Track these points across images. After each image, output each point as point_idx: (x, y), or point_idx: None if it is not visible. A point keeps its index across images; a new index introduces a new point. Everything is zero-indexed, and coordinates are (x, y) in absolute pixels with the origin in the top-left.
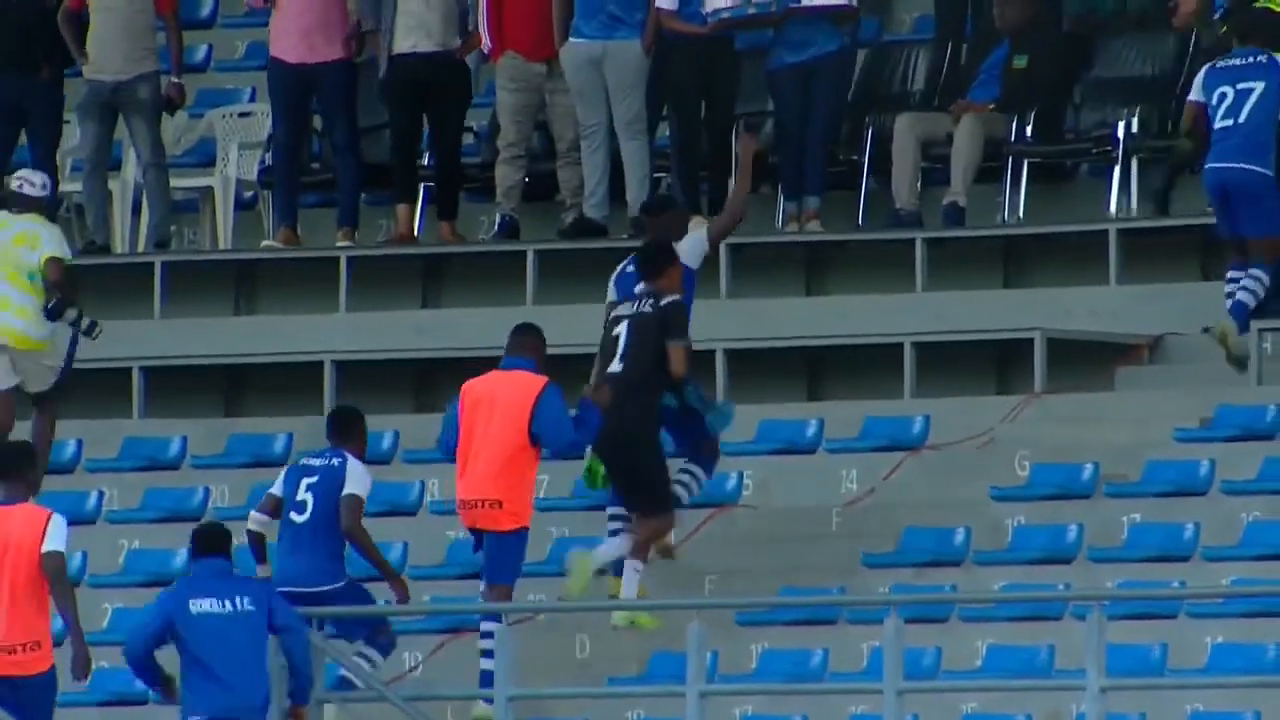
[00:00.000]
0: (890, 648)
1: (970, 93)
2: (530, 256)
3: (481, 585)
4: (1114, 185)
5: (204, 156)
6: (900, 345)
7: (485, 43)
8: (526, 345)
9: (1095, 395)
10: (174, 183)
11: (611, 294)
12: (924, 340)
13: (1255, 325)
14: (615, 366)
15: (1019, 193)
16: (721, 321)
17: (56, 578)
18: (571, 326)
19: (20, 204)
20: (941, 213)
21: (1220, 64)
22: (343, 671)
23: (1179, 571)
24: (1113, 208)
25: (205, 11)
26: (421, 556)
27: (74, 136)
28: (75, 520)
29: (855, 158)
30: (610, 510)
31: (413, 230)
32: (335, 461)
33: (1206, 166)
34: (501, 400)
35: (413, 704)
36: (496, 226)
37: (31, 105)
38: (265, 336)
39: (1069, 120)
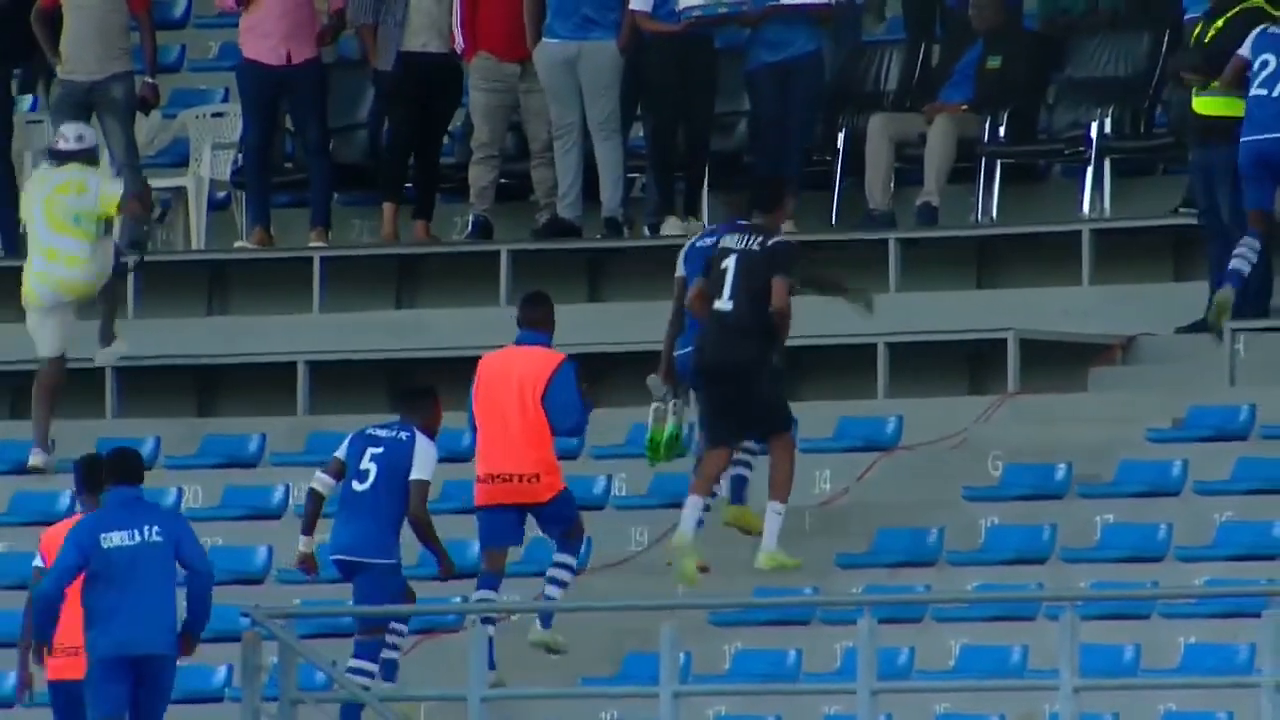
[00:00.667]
0: (864, 648)
1: (943, 93)
2: (504, 256)
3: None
4: (1087, 186)
5: (177, 157)
6: (874, 345)
7: (459, 43)
8: (538, 317)
9: (1068, 396)
10: (150, 183)
11: (680, 270)
12: (897, 340)
13: (1229, 326)
14: (724, 304)
15: (992, 193)
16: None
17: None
18: None
19: (58, 159)
20: (915, 213)
21: (1272, 30)
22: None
23: (1152, 572)
24: (1086, 208)
25: (178, 12)
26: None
27: (45, 138)
28: (48, 520)
29: (829, 158)
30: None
31: (396, 230)
32: (403, 435)
33: (1243, 139)
34: (518, 374)
35: (387, 705)
36: (470, 227)
37: None
38: (239, 337)
39: (1042, 121)
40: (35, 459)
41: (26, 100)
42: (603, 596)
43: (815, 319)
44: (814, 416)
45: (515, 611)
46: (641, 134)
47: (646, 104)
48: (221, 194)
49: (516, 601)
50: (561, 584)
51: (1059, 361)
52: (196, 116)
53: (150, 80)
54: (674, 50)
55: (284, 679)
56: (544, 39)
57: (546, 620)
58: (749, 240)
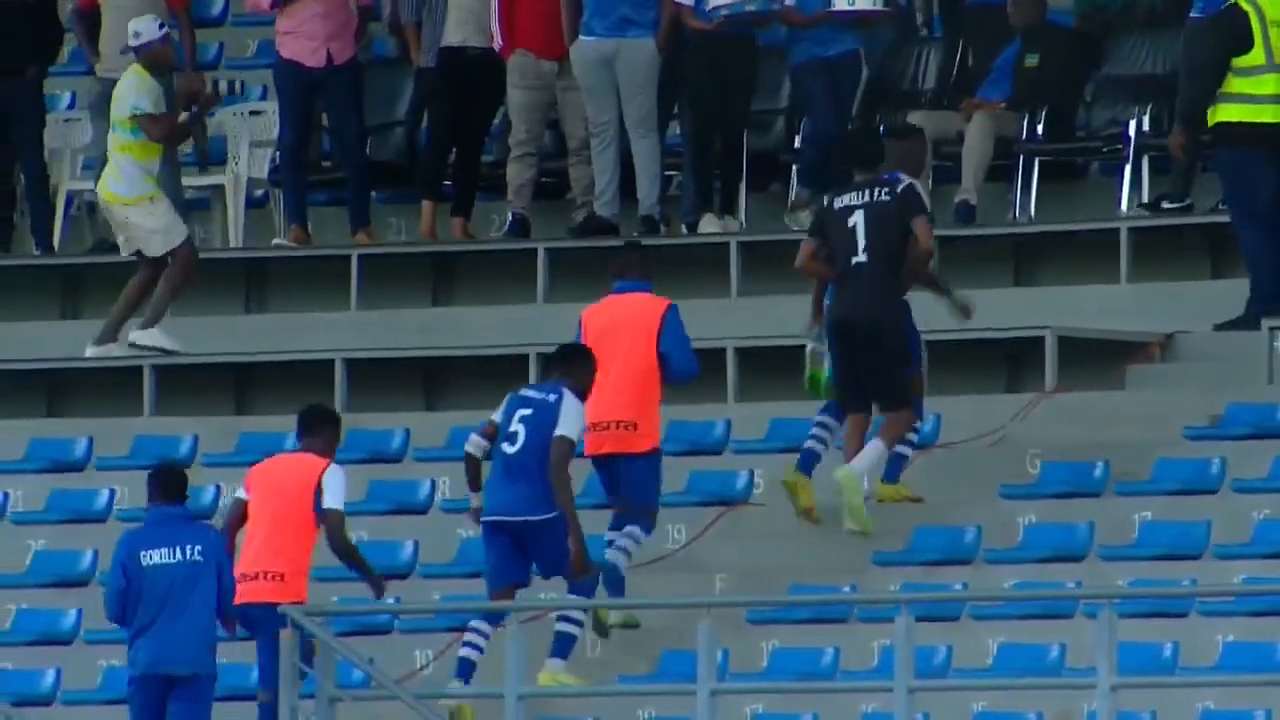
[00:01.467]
0: (901, 646)
1: (981, 91)
2: (541, 254)
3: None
4: (1125, 183)
5: (215, 155)
6: None
7: (497, 40)
8: (634, 264)
9: (1106, 394)
10: (185, 181)
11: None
12: (935, 338)
13: (1266, 324)
14: (860, 257)
15: (1030, 191)
16: (733, 320)
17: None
18: None
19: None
20: (952, 211)
21: None
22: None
23: (1190, 570)
24: (1124, 206)
25: (216, 10)
26: (432, 555)
27: (85, 134)
28: (86, 519)
29: None
30: (819, 418)
31: (435, 227)
32: (551, 397)
33: None
34: (626, 323)
35: (423, 702)
36: (507, 225)
37: (13, 106)
38: (276, 334)
39: (1080, 118)
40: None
41: (65, 99)
42: (640, 594)
43: None
44: None
45: (551, 609)
46: (678, 132)
47: (685, 102)
48: (259, 192)
49: (552, 599)
50: (627, 553)
51: (1096, 359)
52: (234, 114)
53: (198, 78)
54: (714, 48)
55: (322, 677)
56: (581, 37)
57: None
58: (874, 193)
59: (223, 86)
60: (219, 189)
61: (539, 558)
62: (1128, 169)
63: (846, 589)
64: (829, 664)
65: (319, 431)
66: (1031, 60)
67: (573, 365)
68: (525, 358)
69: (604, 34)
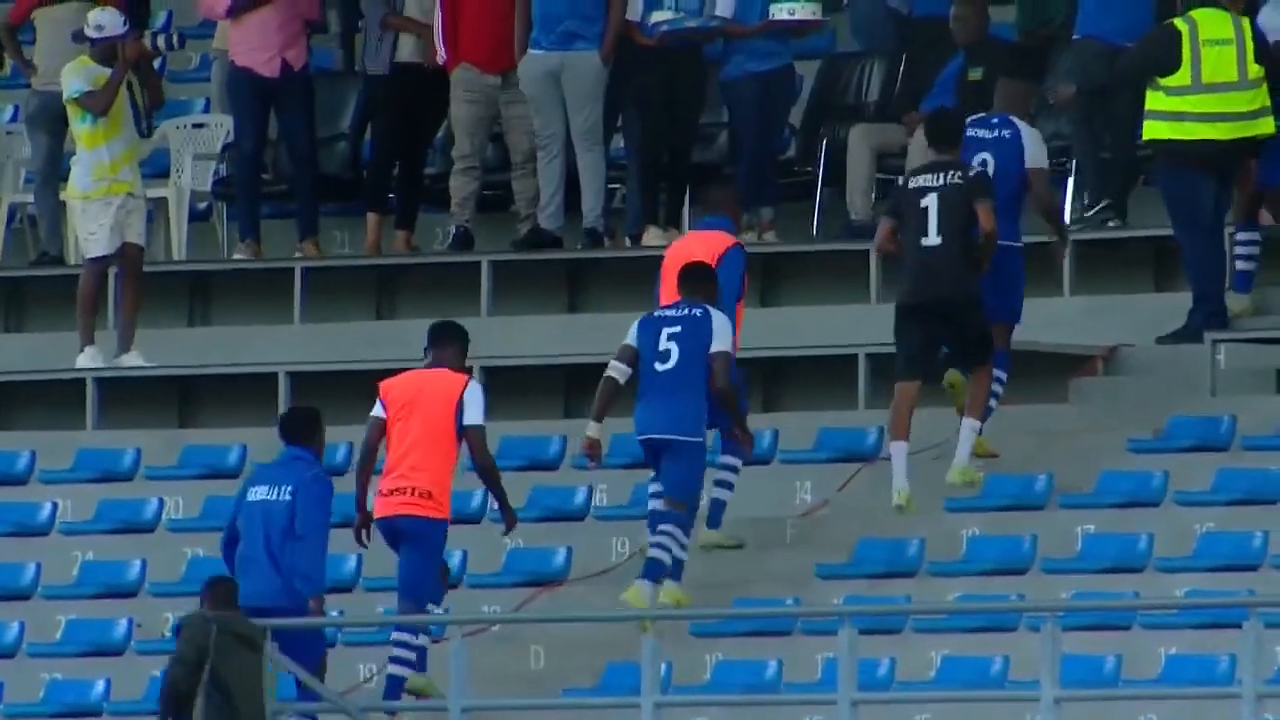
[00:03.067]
0: (845, 659)
1: (925, 104)
2: (485, 267)
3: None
4: (1068, 197)
5: (158, 168)
6: (854, 356)
7: (440, 54)
8: (721, 200)
9: (1050, 406)
10: None
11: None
12: (878, 351)
13: (1209, 337)
14: (932, 239)
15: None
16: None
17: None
18: (526, 337)
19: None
20: None
21: None
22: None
23: (1133, 583)
24: (1067, 219)
25: (158, 23)
26: (377, 569)
27: (25, 148)
28: (28, 532)
29: (810, 169)
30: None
31: (379, 240)
32: (697, 313)
33: None
34: (698, 256)
35: (366, 714)
36: (451, 237)
37: None
38: (219, 347)
39: None
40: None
41: (6, 112)
42: (584, 607)
43: (795, 330)
44: (795, 427)
45: (495, 622)
46: (621, 145)
47: (631, 115)
48: (202, 205)
49: (496, 613)
50: (729, 485)
51: (1040, 372)
52: (177, 127)
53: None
54: (662, 62)
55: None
56: (529, 50)
57: (716, 522)
58: (947, 176)
59: (161, 42)
60: (162, 202)
61: (667, 476)
62: (1071, 182)
63: (790, 602)
64: (772, 677)
65: (448, 344)
66: (975, 74)
67: (702, 285)
68: (469, 369)
69: (550, 47)
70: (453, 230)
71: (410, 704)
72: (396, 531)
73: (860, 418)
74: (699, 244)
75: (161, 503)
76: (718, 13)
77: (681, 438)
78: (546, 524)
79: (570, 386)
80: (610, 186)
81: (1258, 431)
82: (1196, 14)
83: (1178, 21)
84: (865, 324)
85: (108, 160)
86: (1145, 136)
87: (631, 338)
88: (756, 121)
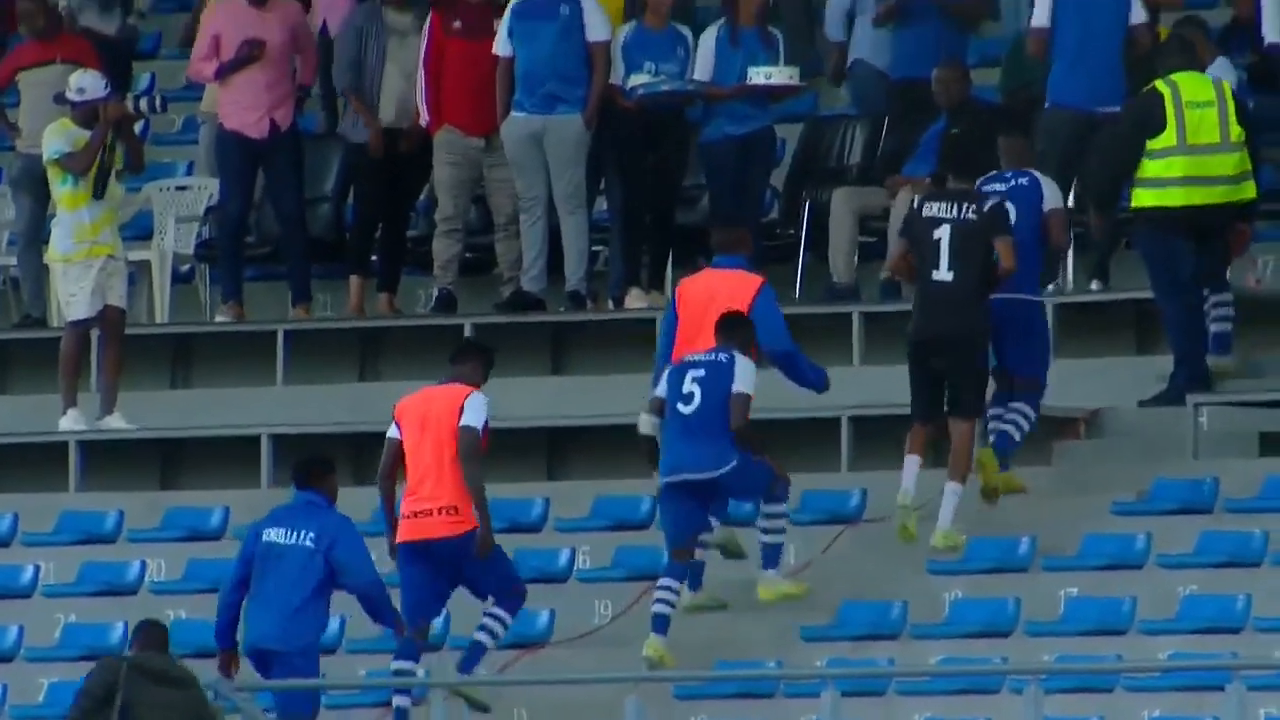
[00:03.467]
0: None
1: (907, 167)
2: (468, 329)
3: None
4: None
5: (141, 230)
6: (837, 419)
7: (424, 117)
8: (735, 240)
9: (1033, 468)
10: None
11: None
12: (862, 413)
13: (1191, 399)
14: (943, 274)
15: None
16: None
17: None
18: (510, 400)
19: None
20: (878, 287)
21: None
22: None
23: (1116, 645)
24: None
25: (141, 85)
26: (359, 630)
27: (8, 210)
28: (11, 594)
29: (792, 232)
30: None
31: (362, 303)
32: (723, 358)
33: None
34: (722, 296)
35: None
36: (434, 300)
37: None
38: (202, 410)
39: None
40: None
41: None
42: (567, 670)
43: (778, 393)
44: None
45: (481, 685)
46: (604, 207)
47: (614, 177)
48: (185, 267)
49: (481, 675)
50: (704, 546)
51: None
52: (160, 189)
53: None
54: (645, 125)
55: None
56: (511, 113)
57: (696, 584)
58: (962, 209)
59: (144, 105)
60: (145, 264)
61: (740, 496)
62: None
63: (773, 664)
64: None
65: (466, 360)
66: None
67: (738, 333)
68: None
69: (533, 110)
70: (436, 292)
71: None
72: (431, 554)
73: (843, 480)
74: (720, 281)
75: (144, 565)
76: (696, 76)
77: (712, 472)
78: (530, 586)
79: (553, 449)
80: (593, 249)
81: (1240, 494)
82: (1177, 77)
83: (1159, 84)
84: (849, 387)
85: (88, 222)
86: (1132, 205)
87: (660, 389)
88: (735, 184)
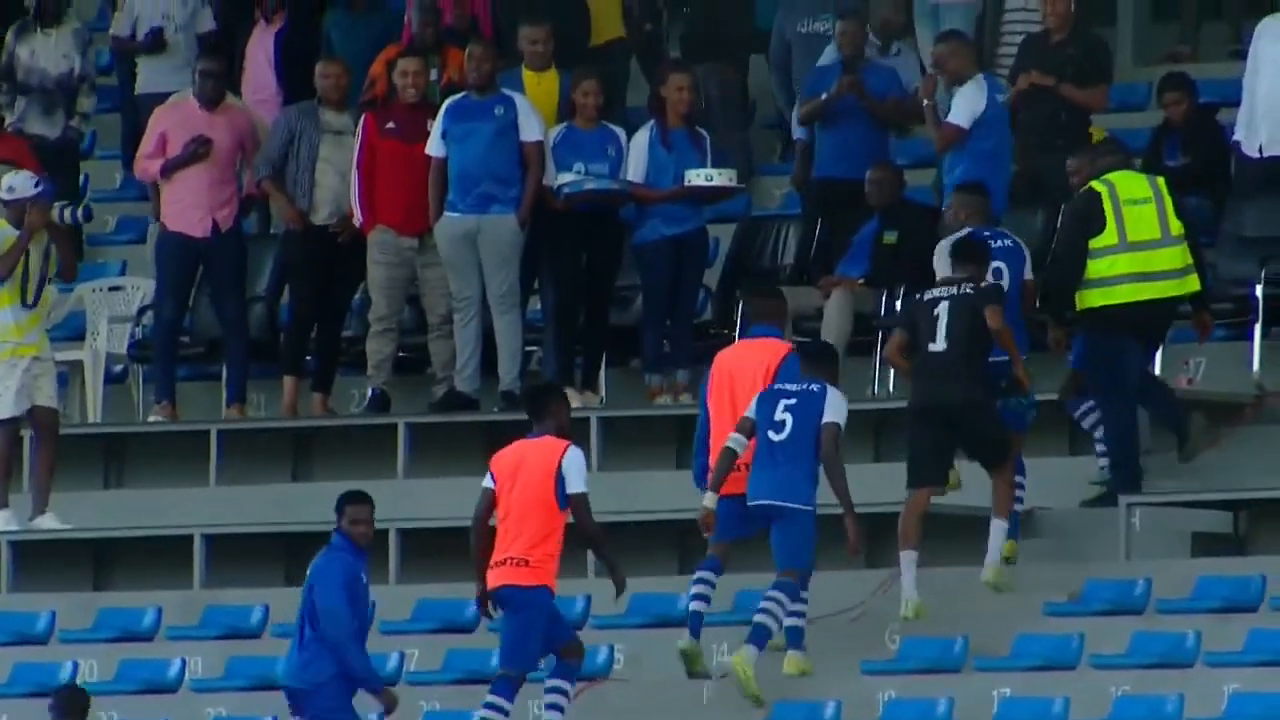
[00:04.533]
0: None
1: (840, 267)
2: (401, 429)
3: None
4: None
5: (74, 330)
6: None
7: (357, 217)
8: (771, 310)
9: (966, 569)
10: None
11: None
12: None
13: (1123, 500)
14: (939, 345)
15: (890, 367)
16: (592, 494)
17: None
18: (443, 500)
19: None
20: None
21: None
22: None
23: None
24: None
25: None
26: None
27: None
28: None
29: (726, 331)
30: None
31: (296, 403)
32: (814, 388)
33: None
34: (755, 365)
35: None
36: (367, 400)
37: None
38: (135, 510)
39: None
40: None
41: None
42: None
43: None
44: (720, 587)
45: None
46: (538, 307)
47: (548, 277)
48: (118, 367)
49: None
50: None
51: (956, 534)
52: (94, 290)
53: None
54: (579, 224)
55: None
56: (445, 213)
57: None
58: (961, 287)
59: (68, 216)
60: (77, 364)
61: (779, 545)
62: None
63: None
64: None
65: (542, 411)
66: (890, 237)
67: (823, 364)
68: (385, 533)
69: (467, 210)
70: (369, 392)
71: None
72: (500, 601)
73: None
74: (751, 351)
75: (76, 666)
76: (630, 176)
77: (791, 505)
78: (461, 686)
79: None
80: (526, 349)
81: (1172, 594)
82: (1113, 176)
83: (1095, 184)
84: None
85: (12, 323)
86: (1079, 307)
87: (751, 410)
88: (669, 284)
